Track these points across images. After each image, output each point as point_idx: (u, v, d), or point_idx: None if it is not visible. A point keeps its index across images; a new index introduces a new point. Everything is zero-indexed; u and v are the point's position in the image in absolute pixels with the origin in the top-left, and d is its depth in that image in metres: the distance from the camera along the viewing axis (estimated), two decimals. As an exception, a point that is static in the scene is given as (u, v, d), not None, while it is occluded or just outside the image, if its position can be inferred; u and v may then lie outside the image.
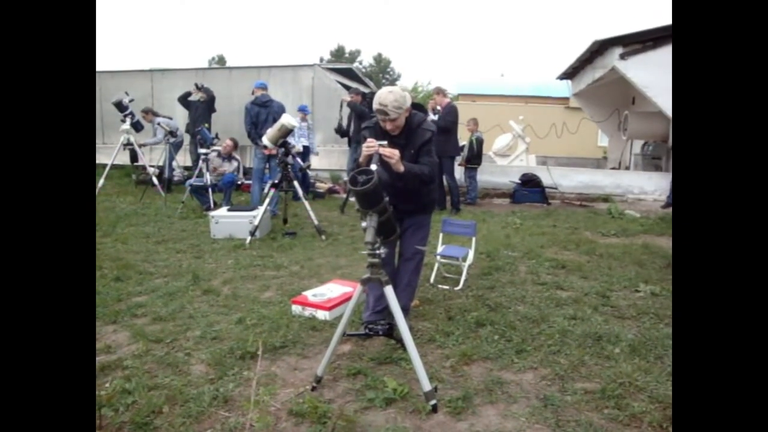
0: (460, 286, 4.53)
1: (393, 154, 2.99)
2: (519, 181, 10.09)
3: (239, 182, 8.71)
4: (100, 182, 9.38)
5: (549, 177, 10.43)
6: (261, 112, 7.62)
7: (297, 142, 9.28)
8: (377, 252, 2.67)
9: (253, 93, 7.89)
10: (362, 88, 12.76)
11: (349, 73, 13.31)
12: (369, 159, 2.96)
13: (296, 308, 3.89)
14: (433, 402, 2.61)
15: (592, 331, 3.58)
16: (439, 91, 8.80)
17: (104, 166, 9.81)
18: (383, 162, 2.96)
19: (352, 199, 8.38)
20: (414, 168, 3.20)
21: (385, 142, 2.98)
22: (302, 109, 10.32)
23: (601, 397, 2.77)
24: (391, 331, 3.09)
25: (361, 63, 46.88)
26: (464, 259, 4.64)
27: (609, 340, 3.45)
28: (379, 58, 49.32)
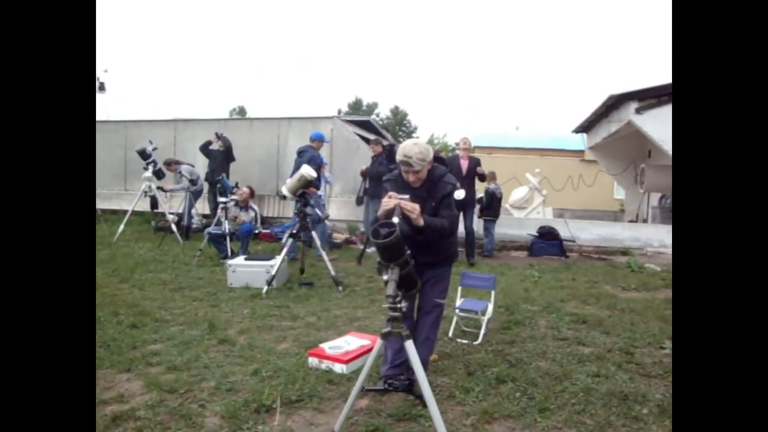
0: (480, 340, 4.45)
1: (414, 208, 3.00)
2: (536, 234, 10.02)
3: (257, 231, 8.76)
4: (120, 228, 9.53)
5: (567, 229, 10.35)
6: (297, 159, 8.09)
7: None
8: (398, 305, 2.64)
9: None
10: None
11: (366, 125, 13.52)
12: (388, 212, 2.96)
13: (313, 360, 3.83)
14: (454, 463, 2.52)
15: (617, 390, 3.47)
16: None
17: (125, 212, 10.00)
18: (404, 215, 2.96)
19: (369, 250, 8.39)
20: (435, 222, 3.20)
21: (407, 196, 3.00)
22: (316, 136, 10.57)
23: (630, 462, 2.65)
24: (411, 387, 3.01)
25: (378, 115, 47.87)
26: (483, 313, 4.56)
27: (636, 400, 3.33)
28: (396, 111, 50.30)
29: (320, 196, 10.30)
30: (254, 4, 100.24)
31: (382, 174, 8.11)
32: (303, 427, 3.00)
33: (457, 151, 8.78)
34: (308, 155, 8.22)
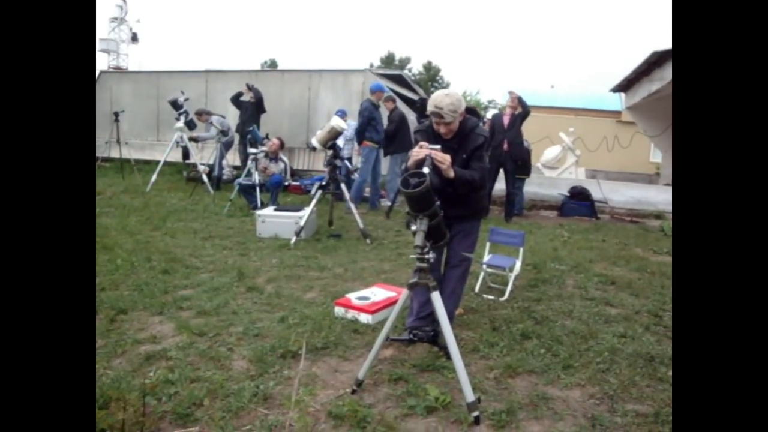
0: (506, 296, 4.43)
1: (444, 159, 2.95)
2: (568, 194, 9.85)
3: (286, 183, 8.80)
4: (153, 177, 9.69)
5: (599, 191, 10.15)
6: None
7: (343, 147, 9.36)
8: (426, 256, 2.62)
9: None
10: (411, 95, 12.76)
11: (399, 79, 13.30)
12: (418, 162, 2.92)
13: (339, 310, 3.87)
14: (475, 413, 2.54)
15: (643, 351, 3.43)
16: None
17: (158, 162, 10.14)
18: (434, 166, 2.91)
19: (398, 204, 8.38)
20: (465, 174, 3.14)
21: (438, 147, 2.94)
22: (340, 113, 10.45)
23: (654, 422, 2.63)
24: (436, 338, 3.03)
25: (410, 70, 46.99)
26: (511, 270, 4.53)
27: (662, 362, 3.29)
28: (428, 66, 49.28)
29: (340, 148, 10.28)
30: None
31: (394, 133, 8.44)
32: (327, 373, 3.06)
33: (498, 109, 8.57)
34: (360, 107, 8.56)
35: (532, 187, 10.27)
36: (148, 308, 3.94)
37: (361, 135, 8.59)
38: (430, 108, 3.13)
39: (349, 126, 8.89)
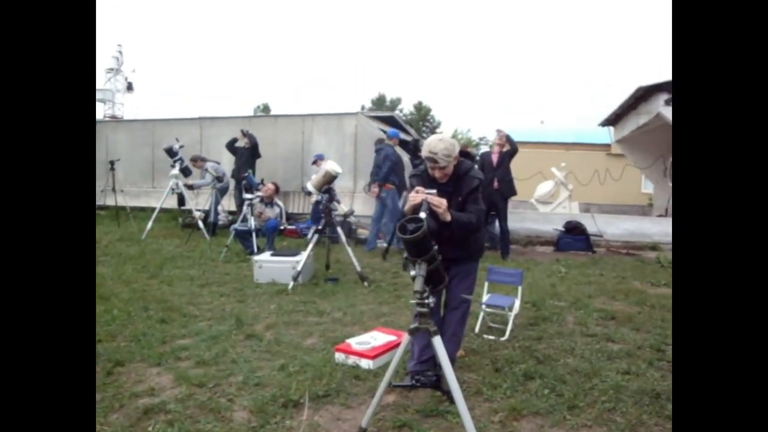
0: (506, 336, 4.41)
1: (441, 203, 2.98)
2: (563, 229, 9.90)
3: (282, 227, 8.82)
4: (149, 225, 9.69)
5: (594, 224, 10.20)
6: (375, 156, 8.96)
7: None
8: (426, 301, 2.62)
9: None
10: (404, 136, 12.94)
11: (390, 121, 13.49)
12: (415, 207, 2.95)
13: (339, 356, 3.84)
14: (482, 460, 2.50)
15: (648, 388, 3.40)
16: None
17: (153, 209, 10.17)
18: (431, 210, 2.94)
19: (395, 245, 8.40)
20: (461, 217, 3.17)
21: (434, 191, 2.98)
22: (318, 157, 10.74)
23: (663, 461, 2.60)
24: (439, 382, 3.00)
25: (401, 111, 47.72)
26: (510, 309, 4.52)
27: (668, 398, 3.26)
28: (419, 106, 50.07)
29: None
30: (277, 4, 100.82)
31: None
32: (330, 422, 3.01)
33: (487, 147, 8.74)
34: (384, 152, 8.84)
35: (527, 223, 10.32)
36: (145, 359, 3.89)
37: (386, 179, 8.89)
38: (424, 153, 3.19)
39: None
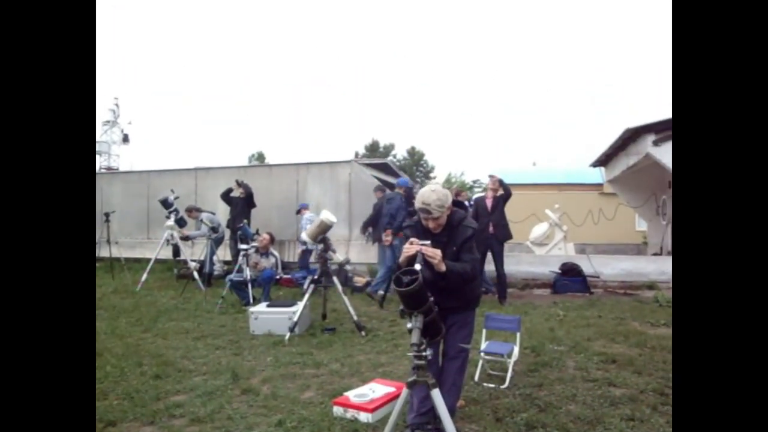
0: (507, 383, 4.35)
1: (435, 254, 2.99)
2: (559, 271, 9.89)
3: (278, 277, 8.79)
4: (144, 276, 9.64)
5: (590, 265, 10.21)
6: (386, 206, 8.86)
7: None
8: (423, 354, 2.60)
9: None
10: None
11: (384, 168, 13.67)
12: (410, 259, 2.96)
13: (338, 410, 3.77)
14: None
15: (653, 435, 3.35)
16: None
17: (148, 260, 10.14)
18: (426, 261, 2.95)
19: (391, 293, 8.36)
20: (456, 267, 3.18)
21: (428, 242, 2.99)
22: (303, 206, 10.89)
23: None
24: (439, 436, 2.95)
25: (395, 156, 48.31)
26: (509, 356, 4.47)
27: (673, 446, 3.21)
28: (412, 151, 50.74)
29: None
30: (267, 54, 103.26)
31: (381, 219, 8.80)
32: (329, 480, 2.94)
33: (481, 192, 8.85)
34: (396, 203, 8.84)
35: (523, 266, 10.32)
36: (138, 418, 3.81)
37: (400, 227, 8.85)
38: (417, 205, 3.22)
39: (309, 220, 9.37)
